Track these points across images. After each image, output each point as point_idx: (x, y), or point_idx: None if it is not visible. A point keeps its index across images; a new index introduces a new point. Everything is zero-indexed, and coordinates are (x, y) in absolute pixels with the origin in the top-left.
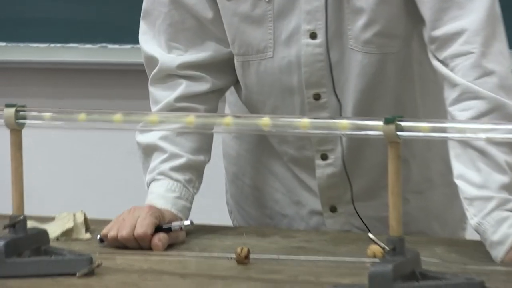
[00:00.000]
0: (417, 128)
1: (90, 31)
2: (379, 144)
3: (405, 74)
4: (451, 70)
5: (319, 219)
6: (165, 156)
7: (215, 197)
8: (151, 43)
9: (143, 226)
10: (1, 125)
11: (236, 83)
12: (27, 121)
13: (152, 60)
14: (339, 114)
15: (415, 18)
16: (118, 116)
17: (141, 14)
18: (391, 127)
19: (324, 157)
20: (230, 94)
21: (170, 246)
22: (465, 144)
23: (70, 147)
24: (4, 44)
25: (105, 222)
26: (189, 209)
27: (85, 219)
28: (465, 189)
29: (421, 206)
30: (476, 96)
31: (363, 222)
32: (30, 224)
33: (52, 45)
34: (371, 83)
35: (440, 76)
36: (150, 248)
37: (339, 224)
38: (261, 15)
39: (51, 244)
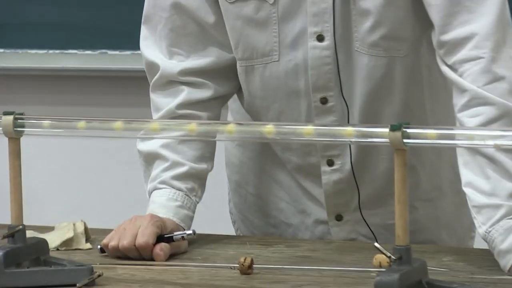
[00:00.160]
0: (424, 135)
1: (89, 37)
2: (387, 150)
3: (414, 79)
4: (460, 75)
5: (324, 228)
6: (166, 164)
7: (218, 206)
8: (152, 48)
9: (144, 236)
10: None
11: (239, 90)
12: (26, 129)
13: (153, 66)
14: (347, 118)
15: (424, 22)
16: (118, 124)
17: (142, 19)
18: (397, 134)
19: (330, 163)
20: (233, 102)
21: (172, 256)
22: (474, 151)
23: (69, 155)
24: (2, 50)
25: (106, 232)
26: (191, 218)
27: (85, 228)
28: (474, 197)
29: (430, 215)
30: (485, 102)
31: (370, 230)
32: (29, 234)
33: (51, 51)
34: (378, 87)
35: (448, 81)
36: (151, 258)
37: (345, 233)
38: (265, 18)
39: (51, 254)
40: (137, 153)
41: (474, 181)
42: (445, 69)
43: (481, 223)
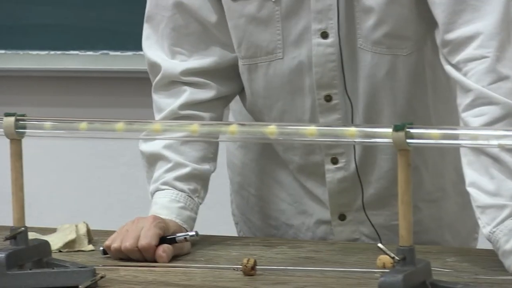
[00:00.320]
0: (428, 135)
1: (91, 38)
2: (390, 150)
3: (417, 79)
4: (464, 74)
5: (327, 229)
6: (169, 165)
7: (221, 207)
8: (154, 48)
9: (147, 237)
10: (0, 135)
11: (242, 91)
12: (27, 131)
13: (155, 67)
14: (351, 116)
15: (428, 21)
16: (120, 125)
17: (144, 18)
18: (401, 134)
19: (334, 161)
20: (234, 103)
21: (174, 258)
22: (478, 151)
23: (71, 156)
24: (3, 51)
25: (108, 233)
26: (194, 220)
27: (88, 230)
28: (478, 197)
29: (434, 215)
30: (490, 102)
31: (375, 229)
32: (31, 235)
33: (52, 52)
34: (381, 85)
35: (452, 81)
36: (154, 260)
37: (348, 233)
38: (268, 16)
39: (53, 256)
40: (139, 154)
41: (478, 181)
42: (448, 68)
43: (486, 223)
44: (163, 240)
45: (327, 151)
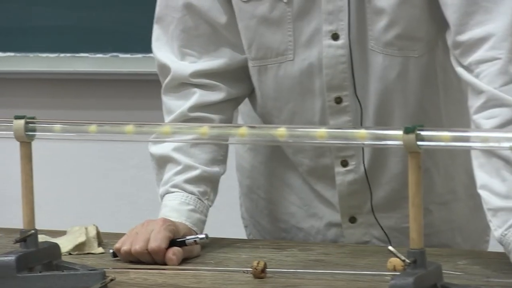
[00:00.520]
0: (438, 138)
1: (100, 40)
2: (401, 152)
3: (428, 81)
4: (476, 76)
5: (337, 231)
6: (179, 168)
7: (231, 210)
8: (164, 49)
9: (157, 240)
10: (10, 137)
11: (251, 93)
12: (37, 133)
13: (164, 68)
14: (360, 118)
15: (439, 22)
16: (129, 128)
17: (154, 19)
18: (411, 136)
19: (344, 163)
20: (243, 105)
21: (184, 260)
22: (489, 153)
23: (80, 159)
24: (13, 54)
25: (118, 236)
26: (204, 222)
27: (98, 233)
28: (489, 199)
29: (444, 218)
30: (502, 104)
31: (384, 232)
32: (41, 238)
33: (62, 55)
34: (392, 87)
35: (463, 82)
36: (164, 263)
37: (358, 235)
38: (279, 17)
39: (63, 259)
40: (149, 156)
41: (489, 183)
42: (460, 70)
43: (497, 226)
44: (173, 242)
45: (337, 153)
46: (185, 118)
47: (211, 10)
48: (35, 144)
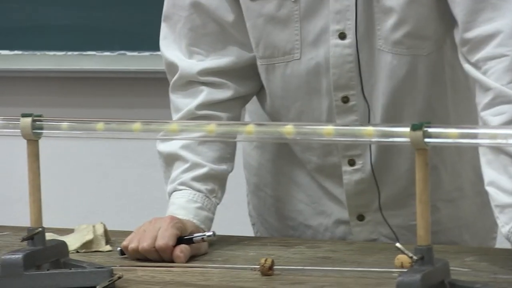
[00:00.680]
0: (446, 135)
1: (108, 38)
2: (408, 150)
3: (437, 79)
4: (484, 73)
5: (345, 229)
6: (186, 165)
7: (238, 207)
8: (172, 47)
9: (164, 238)
10: (16, 135)
11: (259, 91)
12: (44, 131)
13: (172, 66)
14: (368, 118)
15: (447, 20)
16: (137, 126)
17: (162, 18)
18: (419, 133)
19: (351, 162)
20: (251, 103)
21: (192, 258)
22: (497, 150)
23: (88, 157)
24: (20, 52)
25: (126, 234)
26: (211, 220)
27: (105, 230)
28: (497, 196)
29: (452, 215)
30: (509, 100)
31: (392, 230)
32: (48, 236)
33: (69, 53)
34: (401, 86)
35: (471, 79)
36: (171, 260)
37: (366, 233)
38: (287, 16)
39: (71, 257)
40: (156, 154)
41: (497, 180)
42: (467, 67)
43: (504, 223)
44: (180, 240)
45: (344, 152)
46: (192, 116)
47: (218, 9)
48: (42, 142)
